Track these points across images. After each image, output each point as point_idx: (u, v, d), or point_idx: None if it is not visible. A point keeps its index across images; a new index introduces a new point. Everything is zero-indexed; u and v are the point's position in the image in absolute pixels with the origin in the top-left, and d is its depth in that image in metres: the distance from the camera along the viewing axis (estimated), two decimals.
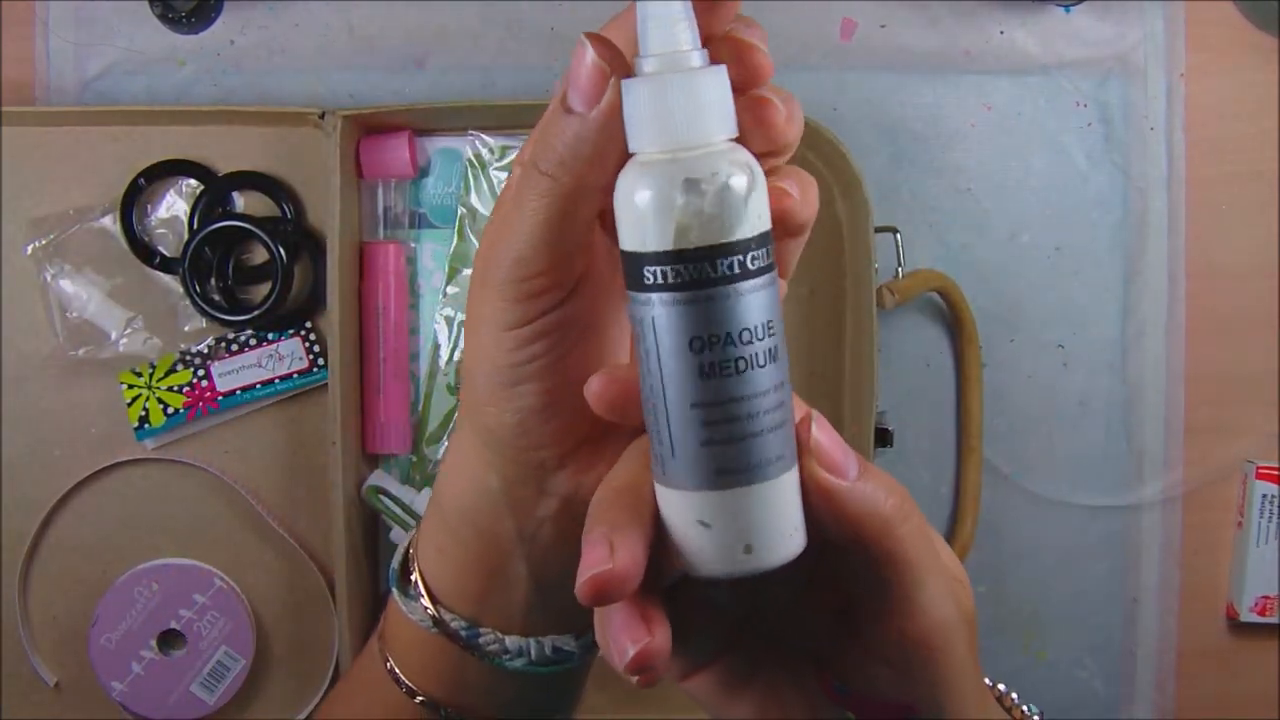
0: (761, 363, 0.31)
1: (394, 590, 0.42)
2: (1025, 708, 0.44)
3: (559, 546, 0.39)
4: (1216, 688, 0.84)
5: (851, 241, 0.79)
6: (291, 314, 0.79)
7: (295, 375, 0.79)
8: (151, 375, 0.78)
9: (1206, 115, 0.83)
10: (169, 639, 0.79)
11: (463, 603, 0.41)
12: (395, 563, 0.43)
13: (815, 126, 0.75)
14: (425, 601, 0.41)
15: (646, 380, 0.32)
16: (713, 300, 0.30)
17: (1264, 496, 0.82)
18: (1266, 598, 0.82)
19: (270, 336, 0.79)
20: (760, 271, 0.31)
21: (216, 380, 0.79)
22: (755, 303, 0.30)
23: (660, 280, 0.30)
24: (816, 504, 0.32)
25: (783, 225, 0.33)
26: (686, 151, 0.30)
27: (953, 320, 0.82)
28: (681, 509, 0.32)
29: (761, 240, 0.31)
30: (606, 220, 0.33)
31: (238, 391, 0.79)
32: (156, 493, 0.80)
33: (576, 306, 0.35)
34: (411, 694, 0.43)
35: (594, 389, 0.34)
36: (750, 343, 0.31)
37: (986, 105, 0.82)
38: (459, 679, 0.42)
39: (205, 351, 0.79)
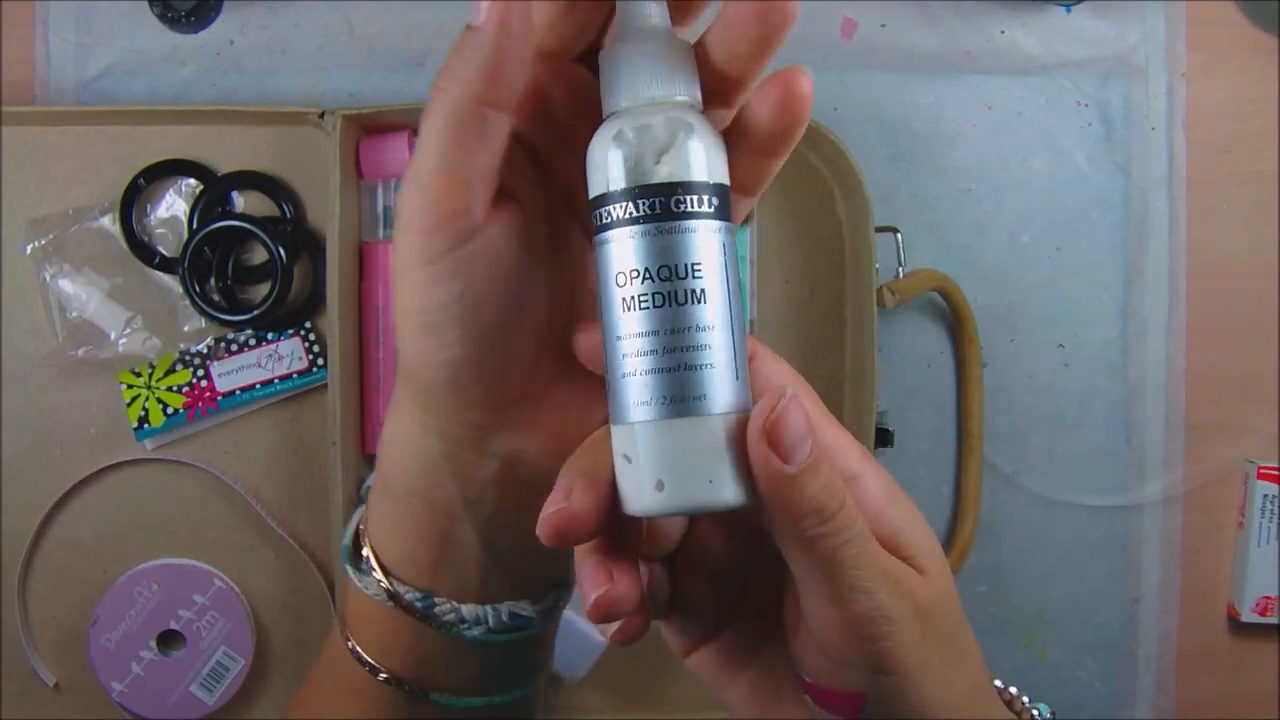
0: (681, 300, 0.32)
1: (347, 567, 0.42)
2: (1035, 710, 0.44)
3: (506, 511, 0.39)
4: (1217, 688, 0.84)
5: (852, 241, 0.79)
6: (291, 314, 0.79)
7: (295, 375, 0.79)
8: (151, 375, 0.78)
9: (1207, 115, 0.83)
10: (169, 639, 0.79)
11: (416, 574, 0.41)
12: (346, 540, 0.43)
13: (815, 127, 0.75)
14: (378, 575, 0.41)
15: (600, 318, 0.34)
16: (633, 238, 0.32)
17: (1265, 496, 0.82)
18: (1267, 598, 0.82)
19: (270, 336, 0.79)
20: (686, 214, 0.32)
21: (216, 380, 0.78)
22: (677, 242, 0.32)
23: (600, 221, 0.33)
24: (755, 477, 0.33)
25: (784, 109, 0.34)
26: (636, 105, 0.33)
27: (953, 320, 0.82)
28: (614, 444, 0.34)
29: (689, 186, 0.32)
30: (509, 165, 0.34)
31: (237, 391, 0.79)
32: (156, 493, 0.80)
33: (490, 246, 0.34)
34: (374, 671, 0.42)
35: (578, 343, 0.36)
36: (669, 279, 0.32)
37: (987, 105, 0.82)
38: (419, 653, 0.42)
39: (205, 351, 0.79)
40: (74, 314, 0.78)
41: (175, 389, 0.78)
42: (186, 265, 0.77)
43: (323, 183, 0.76)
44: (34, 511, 0.79)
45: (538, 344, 0.36)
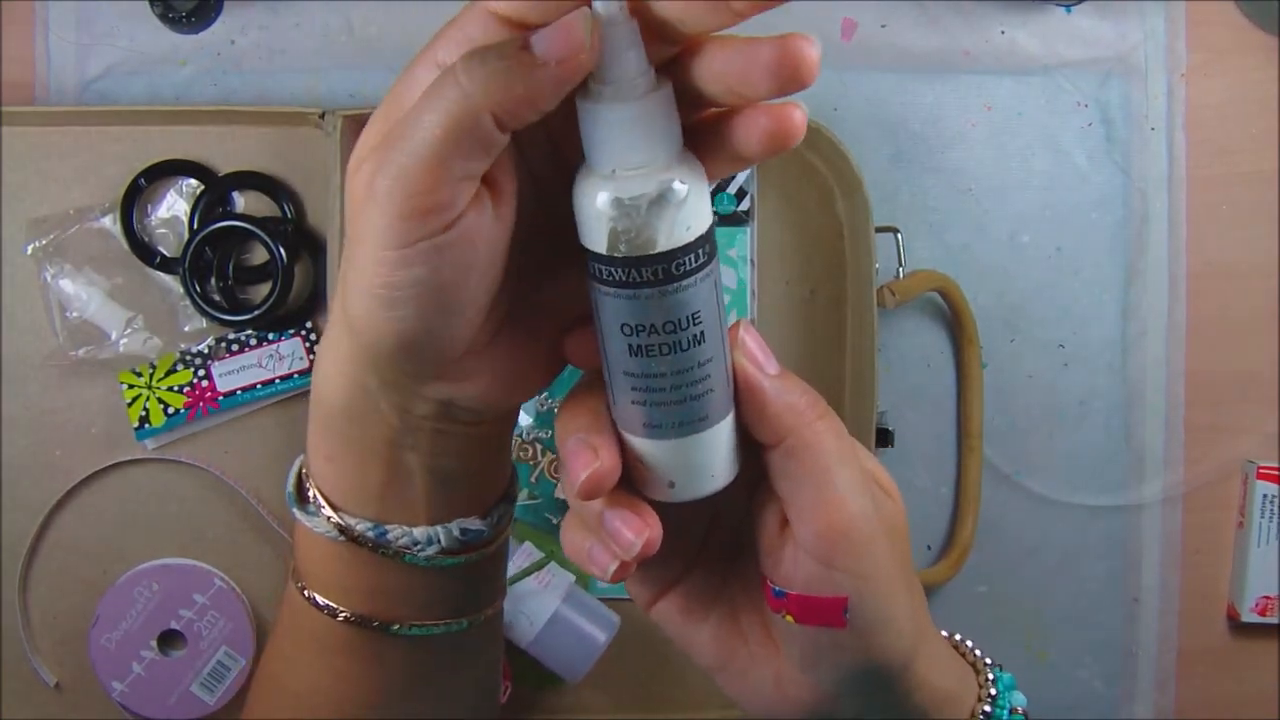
0: (685, 347, 0.35)
1: (294, 510, 0.42)
2: (988, 659, 0.45)
3: (444, 439, 0.39)
4: (1217, 688, 0.84)
5: (852, 241, 0.79)
6: (292, 314, 0.79)
7: (295, 375, 0.79)
8: (151, 375, 0.78)
9: (1206, 115, 0.83)
10: (169, 639, 0.79)
11: (364, 505, 0.41)
12: (290, 485, 0.43)
13: (815, 127, 0.75)
14: (328, 511, 0.41)
15: (598, 341, 0.37)
16: (638, 299, 0.34)
17: (1265, 496, 0.82)
18: (1267, 598, 0.82)
19: (270, 336, 0.79)
20: (686, 274, 0.34)
21: (217, 380, 0.79)
22: (680, 300, 0.34)
23: (600, 276, 0.35)
24: (743, 399, 0.37)
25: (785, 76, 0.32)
26: (626, 171, 0.33)
27: (953, 320, 0.82)
28: (626, 443, 0.38)
29: (687, 248, 0.34)
30: (499, 169, 0.34)
31: (238, 391, 0.79)
32: (156, 493, 0.80)
33: (463, 235, 0.33)
34: (333, 614, 0.43)
35: (572, 349, 0.38)
36: (674, 332, 0.35)
37: (987, 105, 0.82)
38: (377, 586, 0.42)
39: (205, 351, 0.79)
40: (74, 314, 0.78)
41: (176, 389, 0.78)
42: (187, 265, 0.77)
43: (323, 183, 0.76)
44: (34, 511, 0.79)
45: (486, 311, 0.36)
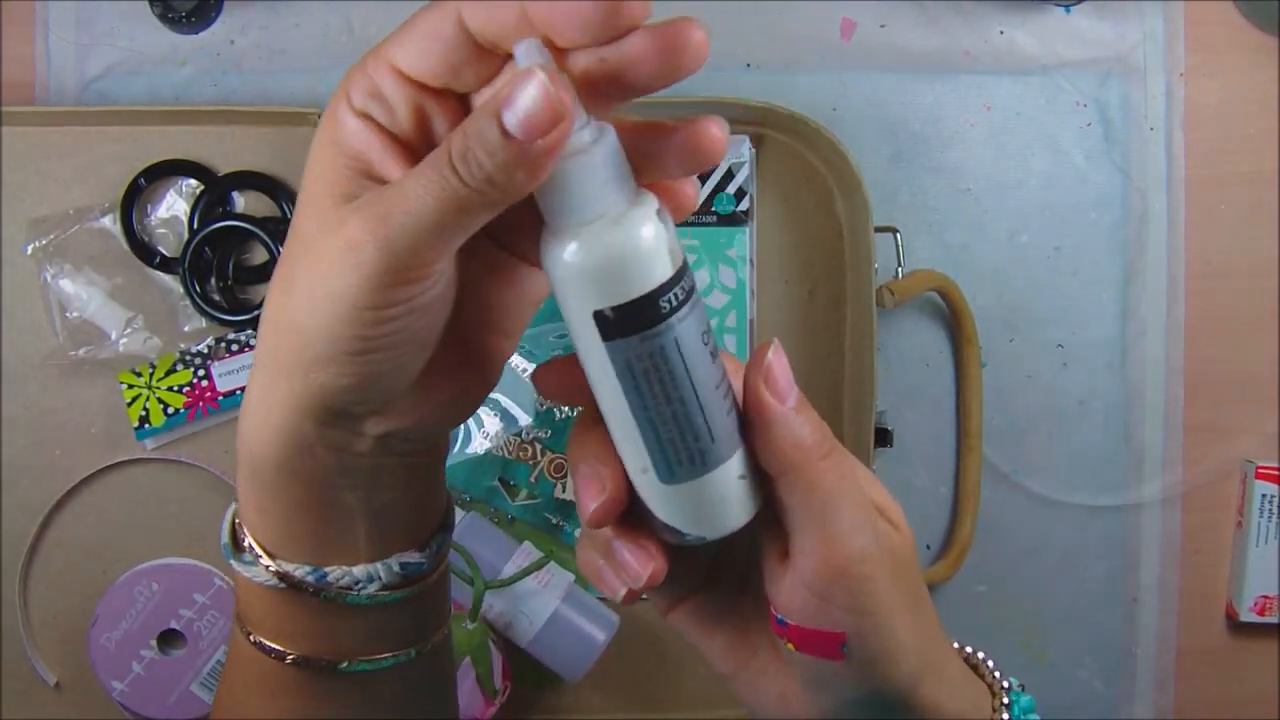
0: (679, 387, 0.35)
1: (232, 562, 0.42)
2: (1006, 682, 0.44)
3: (382, 474, 0.40)
4: (1216, 687, 0.84)
5: (851, 241, 0.79)
6: None
7: None
8: (151, 375, 0.78)
9: (1206, 115, 0.83)
10: (169, 639, 0.79)
11: (301, 550, 0.41)
12: (224, 537, 0.43)
13: (815, 127, 0.75)
14: (265, 560, 0.41)
15: (595, 391, 0.36)
16: (620, 347, 0.34)
17: (1264, 496, 0.82)
18: (1266, 598, 0.82)
19: None
20: (668, 314, 0.34)
21: (217, 380, 0.79)
22: (666, 341, 0.34)
23: (583, 329, 0.34)
24: (753, 424, 0.37)
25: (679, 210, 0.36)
26: (589, 224, 0.33)
27: (952, 320, 0.82)
28: (639, 485, 0.37)
29: (665, 287, 0.33)
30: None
31: (238, 391, 0.79)
32: (156, 493, 0.80)
33: (436, 294, 0.35)
34: (281, 657, 0.43)
35: (544, 382, 0.38)
36: (664, 373, 0.34)
37: (986, 105, 0.82)
38: (321, 627, 0.42)
39: (205, 351, 0.79)
40: (74, 314, 0.78)
41: (176, 389, 0.78)
42: (187, 265, 0.77)
43: None
44: (34, 511, 0.79)
45: (434, 348, 0.37)
